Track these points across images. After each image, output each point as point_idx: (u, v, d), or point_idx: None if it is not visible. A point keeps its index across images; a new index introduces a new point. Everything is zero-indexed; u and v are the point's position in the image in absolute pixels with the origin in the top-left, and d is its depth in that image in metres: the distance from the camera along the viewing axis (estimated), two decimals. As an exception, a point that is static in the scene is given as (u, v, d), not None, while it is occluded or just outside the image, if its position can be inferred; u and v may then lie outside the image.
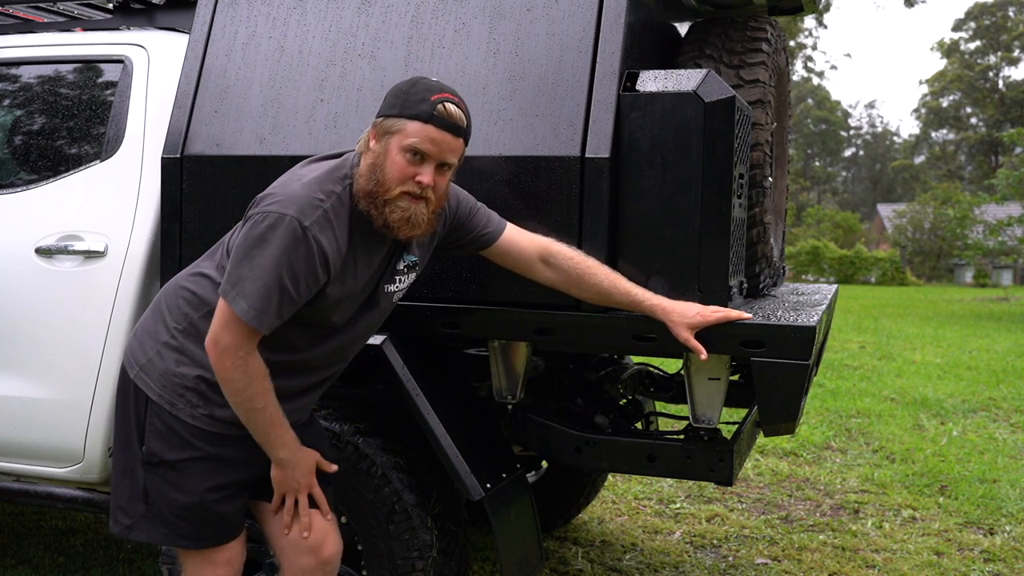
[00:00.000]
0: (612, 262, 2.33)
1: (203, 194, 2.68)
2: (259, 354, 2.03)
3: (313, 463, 2.19)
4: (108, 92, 2.95)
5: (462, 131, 2.06)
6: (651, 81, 2.34)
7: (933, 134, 62.15)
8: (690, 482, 4.76)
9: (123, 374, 2.20)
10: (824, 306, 2.68)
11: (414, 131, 2.01)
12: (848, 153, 72.47)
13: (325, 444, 2.35)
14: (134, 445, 2.15)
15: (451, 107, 2.02)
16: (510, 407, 2.67)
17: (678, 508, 4.48)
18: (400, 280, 2.24)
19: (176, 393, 2.11)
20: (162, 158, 2.72)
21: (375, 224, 2.07)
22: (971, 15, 56.86)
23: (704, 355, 2.22)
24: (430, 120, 2.00)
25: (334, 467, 2.25)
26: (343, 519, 2.55)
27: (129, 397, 2.17)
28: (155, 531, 2.16)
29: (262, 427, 2.07)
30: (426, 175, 2.03)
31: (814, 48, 48.42)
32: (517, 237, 2.29)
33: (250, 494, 2.24)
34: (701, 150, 2.28)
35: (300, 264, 1.97)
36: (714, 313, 2.23)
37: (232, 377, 2.01)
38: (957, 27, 58.28)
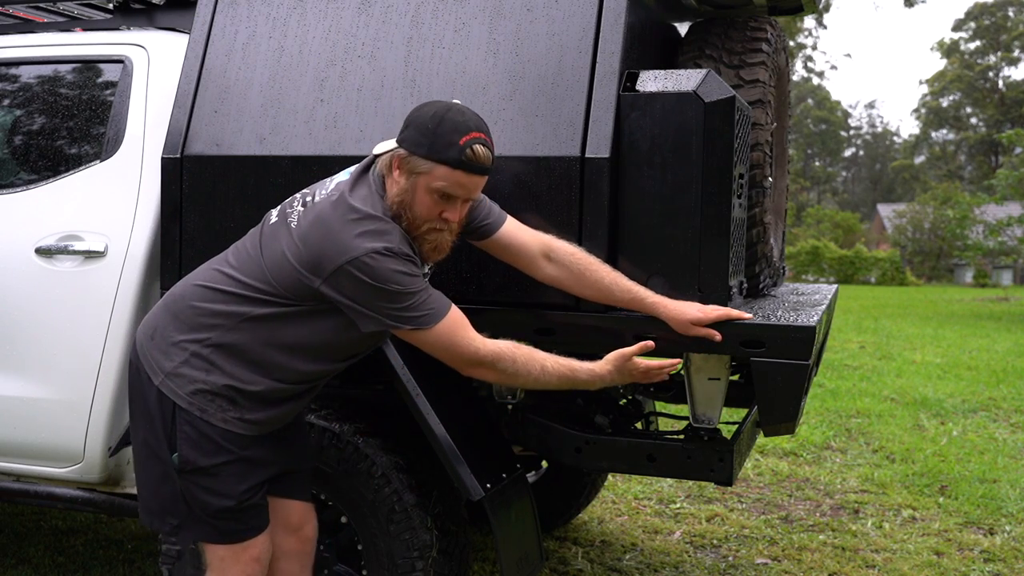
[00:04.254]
0: (612, 262, 2.33)
1: (203, 194, 2.68)
2: (477, 337, 2.09)
3: (621, 359, 2.20)
4: (108, 92, 2.95)
5: (489, 170, 2.09)
6: (651, 81, 2.34)
7: (933, 134, 62.14)
8: (690, 482, 4.75)
9: (145, 381, 2.17)
10: (824, 306, 2.68)
11: (443, 176, 2.03)
12: (848, 153, 72.47)
13: (307, 438, 2.44)
14: (164, 451, 2.15)
15: (479, 149, 2.03)
16: (510, 407, 2.67)
17: (678, 508, 4.48)
18: None
19: (206, 399, 2.11)
20: (162, 158, 2.72)
21: None
22: (971, 15, 56.85)
23: (718, 336, 2.22)
24: (459, 166, 2.02)
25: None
26: (343, 519, 2.56)
27: (151, 403, 2.15)
28: (202, 530, 2.19)
29: (561, 383, 2.17)
30: (453, 213, 2.09)
31: (814, 48, 48.47)
32: (518, 232, 2.30)
33: None
34: (701, 150, 2.28)
35: (412, 272, 2.04)
36: (714, 311, 2.23)
37: (502, 370, 2.10)
38: (957, 27, 58.29)
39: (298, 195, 2.18)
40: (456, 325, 2.08)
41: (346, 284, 2.01)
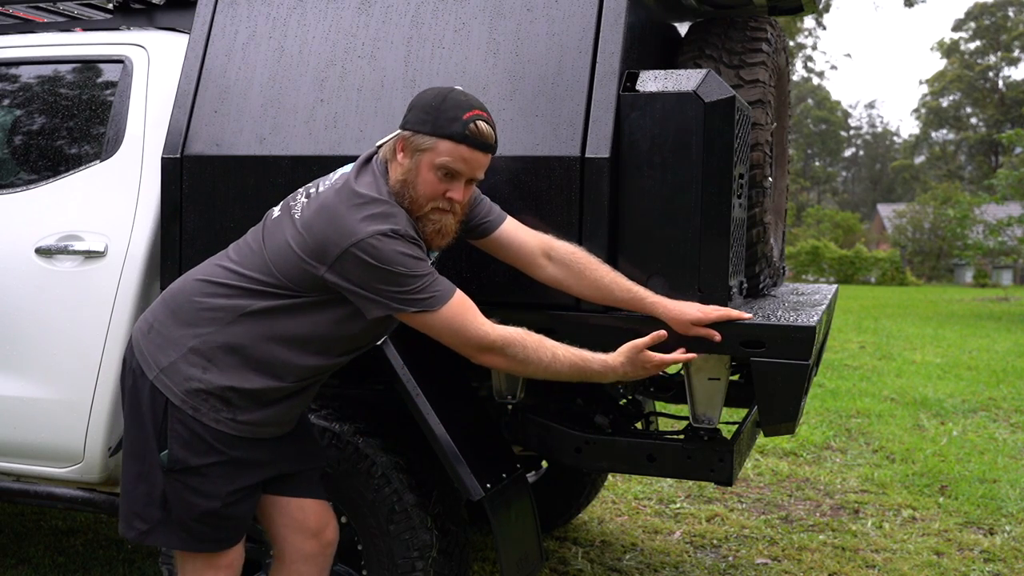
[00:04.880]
0: (612, 262, 2.33)
1: (203, 194, 2.68)
2: (485, 322, 2.07)
3: (633, 351, 2.17)
4: (108, 92, 2.95)
5: (492, 148, 2.10)
6: (651, 81, 2.34)
7: (933, 134, 62.14)
8: (690, 482, 4.76)
9: (139, 376, 2.14)
10: (824, 306, 2.68)
11: (446, 151, 2.04)
12: (848, 153, 72.47)
13: (312, 438, 2.42)
14: (151, 450, 2.12)
15: (482, 125, 2.05)
16: (510, 407, 2.67)
17: (678, 508, 4.48)
18: None
19: (199, 398, 2.09)
20: (162, 158, 2.72)
21: None
22: (971, 15, 56.86)
23: (718, 336, 2.21)
24: (463, 140, 2.04)
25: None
26: (343, 519, 2.55)
27: (143, 399, 2.12)
28: (172, 536, 2.15)
29: (572, 373, 2.13)
30: (457, 192, 2.08)
31: (814, 48, 48.44)
32: (518, 231, 2.30)
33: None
34: (701, 150, 2.28)
35: (418, 255, 2.04)
36: (714, 311, 2.23)
37: (511, 356, 2.07)
38: (957, 27, 58.31)
39: (301, 189, 2.18)
40: (463, 308, 2.06)
41: (352, 269, 2.00)
